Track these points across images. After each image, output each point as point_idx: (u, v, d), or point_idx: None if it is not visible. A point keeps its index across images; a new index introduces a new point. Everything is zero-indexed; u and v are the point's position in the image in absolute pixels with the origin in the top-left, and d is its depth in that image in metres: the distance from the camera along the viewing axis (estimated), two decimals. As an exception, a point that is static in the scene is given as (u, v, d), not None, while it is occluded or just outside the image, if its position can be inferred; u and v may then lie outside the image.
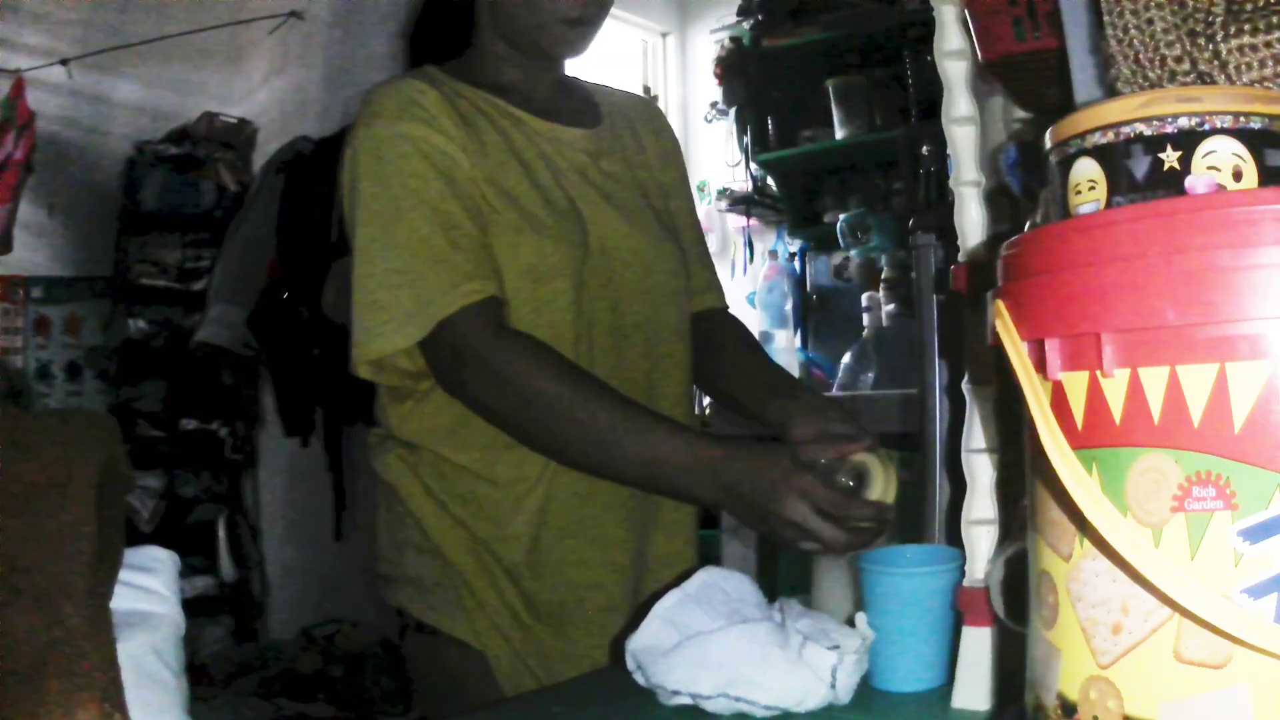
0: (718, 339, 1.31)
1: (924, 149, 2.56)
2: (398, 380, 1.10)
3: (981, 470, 0.83)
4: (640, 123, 1.31)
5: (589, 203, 1.15)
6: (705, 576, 0.91)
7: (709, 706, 0.81)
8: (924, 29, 0.90)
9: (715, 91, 3.75)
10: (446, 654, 1.13)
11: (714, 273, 1.37)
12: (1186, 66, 0.60)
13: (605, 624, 1.14)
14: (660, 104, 4.14)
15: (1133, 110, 0.54)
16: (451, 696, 1.14)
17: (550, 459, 1.09)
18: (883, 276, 3.16)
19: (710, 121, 3.86)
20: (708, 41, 3.86)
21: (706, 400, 2.61)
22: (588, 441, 1.02)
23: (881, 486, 0.95)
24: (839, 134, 3.39)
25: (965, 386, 0.86)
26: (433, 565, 1.13)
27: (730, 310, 1.38)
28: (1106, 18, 0.63)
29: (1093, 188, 0.55)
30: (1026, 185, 0.89)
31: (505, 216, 1.08)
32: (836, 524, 0.92)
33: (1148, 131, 0.53)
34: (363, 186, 1.08)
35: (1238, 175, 0.52)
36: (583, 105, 1.26)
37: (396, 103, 1.09)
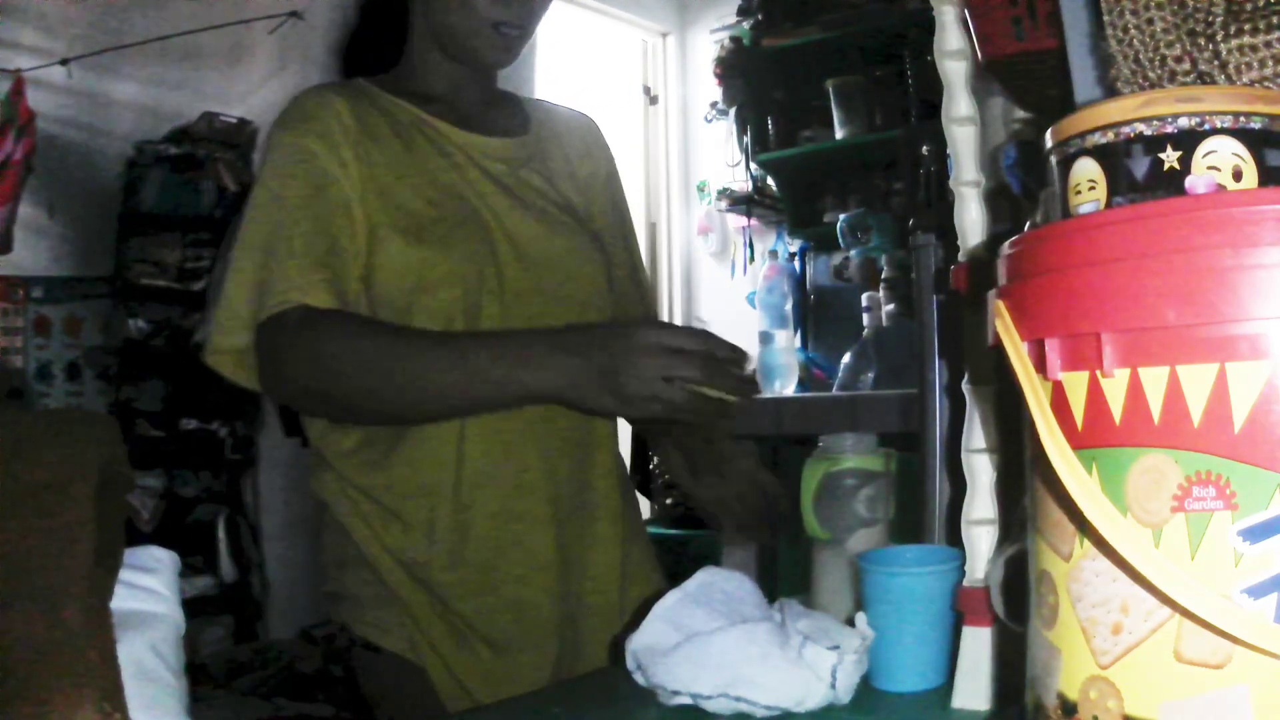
0: None
1: (924, 149, 2.55)
2: (254, 379, 1.09)
3: (981, 470, 0.83)
4: (572, 139, 1.31)
5: (501, 210, 1.15)
6: (705, 576, 0.91)
7: (709, 706, 0.81)
8: (924, 29, 0.90)
9: (715, 91, 3.75)
10: (388, 670, 1.13)
11: (646, 292, 1.36)
12: (1186, 66, 0.60)
13: (542, 643, 1.13)
14: (660, 104, 4.15)
15: (1133, 110, 0.54)
16: (396, 712, 1.13)
17: (398, 413, 1.06)
18: (883, 276, 3.16)
19: (710, 121, 3.86)
20: (708, 41, 3.87)
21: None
22: (430, 374, 1.00)
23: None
24: (839, 134, 3.39)
25: (965, 386, 0.86)
26: (371, 583, 1.13)
27: None
28: (1106, 18, 0.63)
29: (1093, 188, 0.55)
30: (1026, 185, 0.89)
31: (392, 229, 1.09)
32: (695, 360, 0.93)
33: (1148, 131, 0.53)
34: (254, 188, 1.12)
35: (1238, 175, 0.52)
36: (510, 117, 1.27)
37: (298, 112, 1.13)
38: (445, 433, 1.10)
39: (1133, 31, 0.61)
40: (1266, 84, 0.58)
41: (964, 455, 0.84)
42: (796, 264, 3.60)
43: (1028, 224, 0.84)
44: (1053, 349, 0.51)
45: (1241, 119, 0.52)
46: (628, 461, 1.37)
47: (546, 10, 1.20)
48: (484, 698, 1.10)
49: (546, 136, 1.28)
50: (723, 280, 3.94)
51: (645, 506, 1.29)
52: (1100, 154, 0.55)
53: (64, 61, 3.44)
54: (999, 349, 0.55)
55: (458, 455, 1.10)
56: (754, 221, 3.80)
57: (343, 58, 1.31)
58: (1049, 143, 0.59)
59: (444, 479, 1.10)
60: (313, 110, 1.13)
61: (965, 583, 0.82)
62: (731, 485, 1.23)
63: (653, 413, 0.95)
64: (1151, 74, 0.61)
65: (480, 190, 1.16)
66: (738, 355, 0.97)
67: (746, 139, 3.61)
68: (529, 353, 0.98)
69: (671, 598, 0.88)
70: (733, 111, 3.66)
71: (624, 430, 1.31)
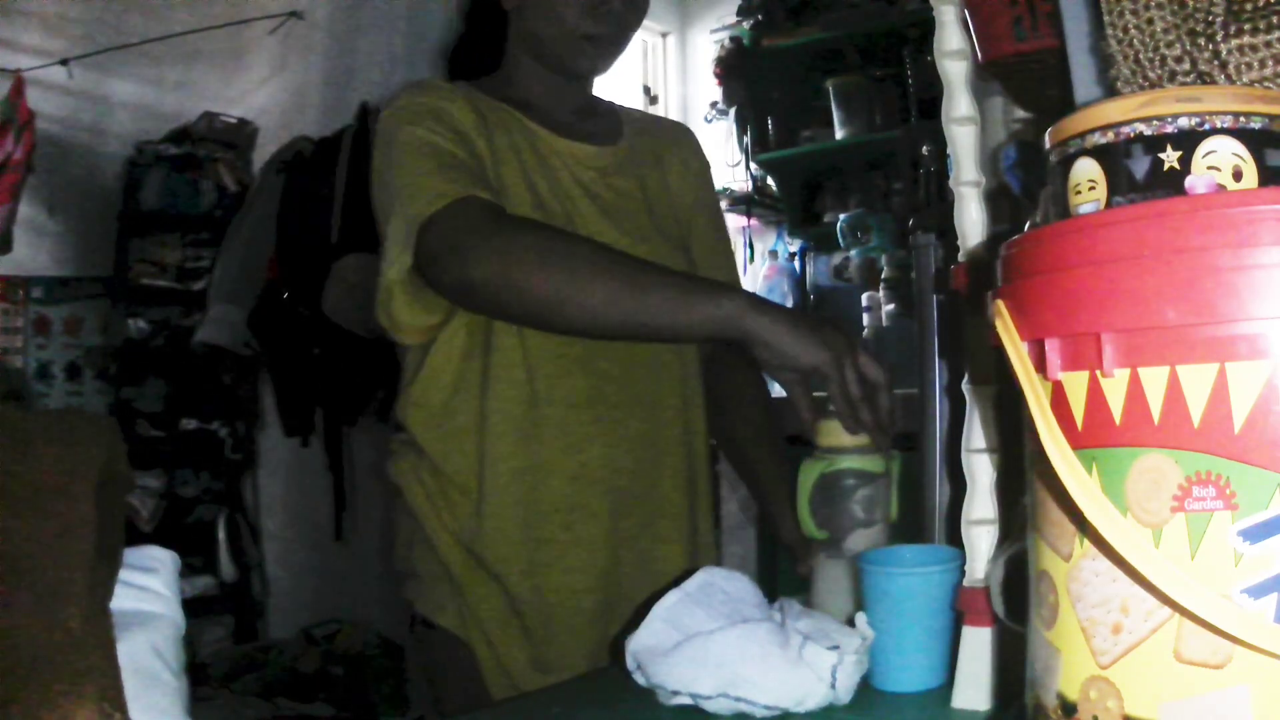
0: (726, 400, 1.33)
1: (924, 149, 2.56)
2: (415, 337, 1.13)
3: (981, 470, 0.83)
4: (667, 146, 1.33)
5: (588, 216, 1.18)
6: (705, 576, 0.91)
7: (709, 706, 0.81)
8: (924, 29, 0.90)
9: (715, 91, 3.75)
10: (439, 645, 1.18)
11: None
12: (1186, 66, 0.60)
13: (583, 633, 1.17)
14: (660, 104, 4.14)
15: (1133, 110, 0.54)
16: (440, 685, 1.19)
17: (585, 326, 1.03)
18: (883, 276, 3.16)
19: (710, 121, 3.86)
20: (708, 41, 3.86)
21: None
22: (608, 279, 0.98)
23: None
24: (839, 134, 3.39)
25: (965, 386, 0.86)
26: (431, 561, 1.18)
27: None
28: (1106, 18, 0.63)
29: (1093, 188, 0.55)
30: (1026, 185, 0.89)
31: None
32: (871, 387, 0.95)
33: (1148, 131, 0.53)
34: (384, 154, 1.13)
35: (1238, 175, 0.52)
36: (605, 124, 1.29)
37: (421, 88, 1.16)
38: (516, 419, 1.14)
39: (1133, 31, 0.61)
40: (1266, 84, 0.58)
41: (964, 455, 0.84)
42: (796, 264, 3.60)
43: (1028, 224, 0.84)
44: (1053, 349, 0.51)
45: (1241, 119, 0.52)
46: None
47: (640, 21, 1.22)
48: (522, 681, 1.15)
49: (639, 145, 1.30)
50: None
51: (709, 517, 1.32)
52: (1100, 154, 0.55)
53: (64, 61, 3.44)
54: (999, 349, 0.55)
55: (525, 440, 1.14)
56: (754, 221, 3.80)
57: (447, 63, 1.36)
58: (1049, 143, 0.59)
59: (511, 463, 1.14)
60: (435, 87, 1.16)
61: (965, 583, 0.82)
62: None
63: (811, 364, 0.94)
64: (1151, 74, 0.61)
65: (570, 196, 1.19)
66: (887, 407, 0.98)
67: (746, 139, 3.61)
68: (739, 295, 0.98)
69: (671, 598, 0.88)
70: (733, 111, 3.66)
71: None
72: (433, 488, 1.18)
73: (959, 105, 0.86)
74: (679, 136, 1.38)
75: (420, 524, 1.18)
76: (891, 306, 3.08)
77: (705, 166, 1.38)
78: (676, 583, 0.91)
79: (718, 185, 4.12)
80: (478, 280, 1.01)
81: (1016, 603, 0.71)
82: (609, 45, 1.20)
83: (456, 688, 1.17)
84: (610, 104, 1.35)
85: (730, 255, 1.39)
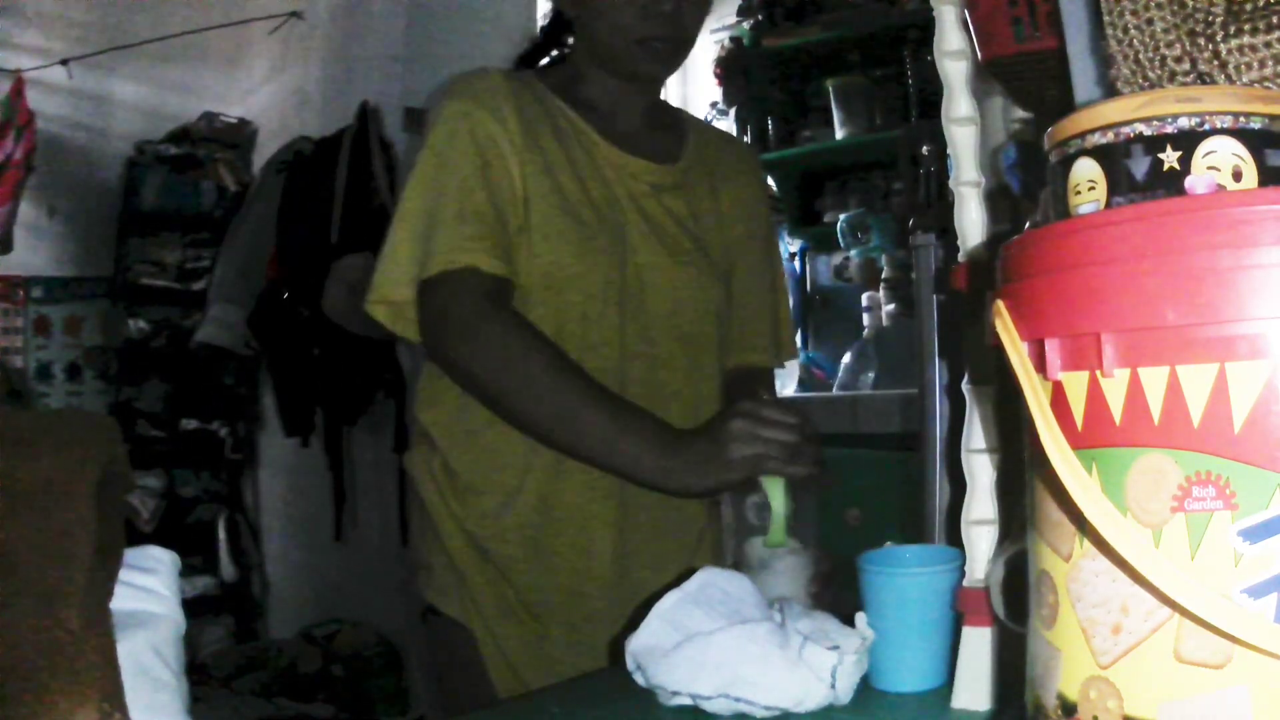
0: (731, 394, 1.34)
1: (924, 149, 2.55)
2: (413, 331, 1.14)
3: (981, 470, 0.83)
4: (727, 172, 1.32)
5: (635, 232, 1.19)
6: (705, 576, 0.91)
7: (709, 707, 0.81)
8: (924, 29, 0.90)
9: (715, 91, 3.75)
10: (445, 632, 1.20)
11: (781, 331, 1.37)
12: (1186, 66, 0.60)
13: (589, 631, 1.17)
14: (660, 104, 4.15)
15: (1133, 110, 0.54)
16: (444, 671, 1.22)
17: (531, 431, 1.12)
18: (883, 276, 3.15)
19: (710, 121, 3.86)
20: (708, 41, 3.86)
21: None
22: (556, 410, 1.07)
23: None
24: (839, 134, 3.38)
25: (965, 386, 0.86)
26: (438, 552, 1.20)
27: (773, 370, 1.39)
28: (1106, 18, 0.63)
29: (1093, 188, 0.55)
30: (1026, 185, 0.89)
31: (534, 218, 1.13)
32: (780, 428, 1.00)
33: (1148, 131, 0.53)
34: (420, 153, 1.16)
35: (1238, 175, 0.52)
36: (667, 140, 1.28)
37: (469, 86, 1.16)
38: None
39: (1133, 31, 0.61)
40: (1266, 84, 0.58)
41: (964, 455, 0.84)
42: (796, 264, 3.60)
43: (1028, 224, 0.84)
44: (1053, 349, 0.51)
45: (1241, 119, 0.52)
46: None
47: (702, 20, 1.21)
48: (526, 672, 1.16)
49: (697, 164, 1.29)
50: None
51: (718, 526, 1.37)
52: (1100, 154, 0.55)
53: (64, 61, 3.44)
54: (999, 349, 0.55)
55: (536, 445, 1.15)
56: (754, 221, 3.80)
57: (519, 65, 1.36)
58: (1049, 143, 0.59)
59: (524, 465, 1.16)
60: (480, 86, 1.16)
61: (965, 583, 0.82)
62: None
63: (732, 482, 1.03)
64: (1151, 74, 0.61)
65: (622, 209, 1.19)
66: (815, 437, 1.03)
67: (746, 139, 3.60)
68: (658, 442, 1.05)
69: (671, 598, 0.88)
70: (733, 111, 3.66)
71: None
72: (443, 482, 1.19)
73: (959, 105, 0.86)
74: (742, 163, 1.37)
75: (430, 515, 1.20)
76: (891, 306, 3.08)
77: (760, 197, 1.38)
78: (677, 582, 0.91)
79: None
80: (453, 361, 1.11)
81: (1016, 603, 0.71)
82: (669, 48, 1.18)
83: (459, 674, 1.19)
84: (680, 115, 1.35)
85: (779, 279, 1.39)
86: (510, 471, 1.16)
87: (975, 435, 0.84)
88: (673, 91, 4.11)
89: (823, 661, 0.80)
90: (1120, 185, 0.54)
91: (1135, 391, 0.48)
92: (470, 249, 1.08)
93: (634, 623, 0.88)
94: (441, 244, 1.08)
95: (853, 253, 3.32)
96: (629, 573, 1.19)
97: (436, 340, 1.11)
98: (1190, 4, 0.60)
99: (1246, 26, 0.58)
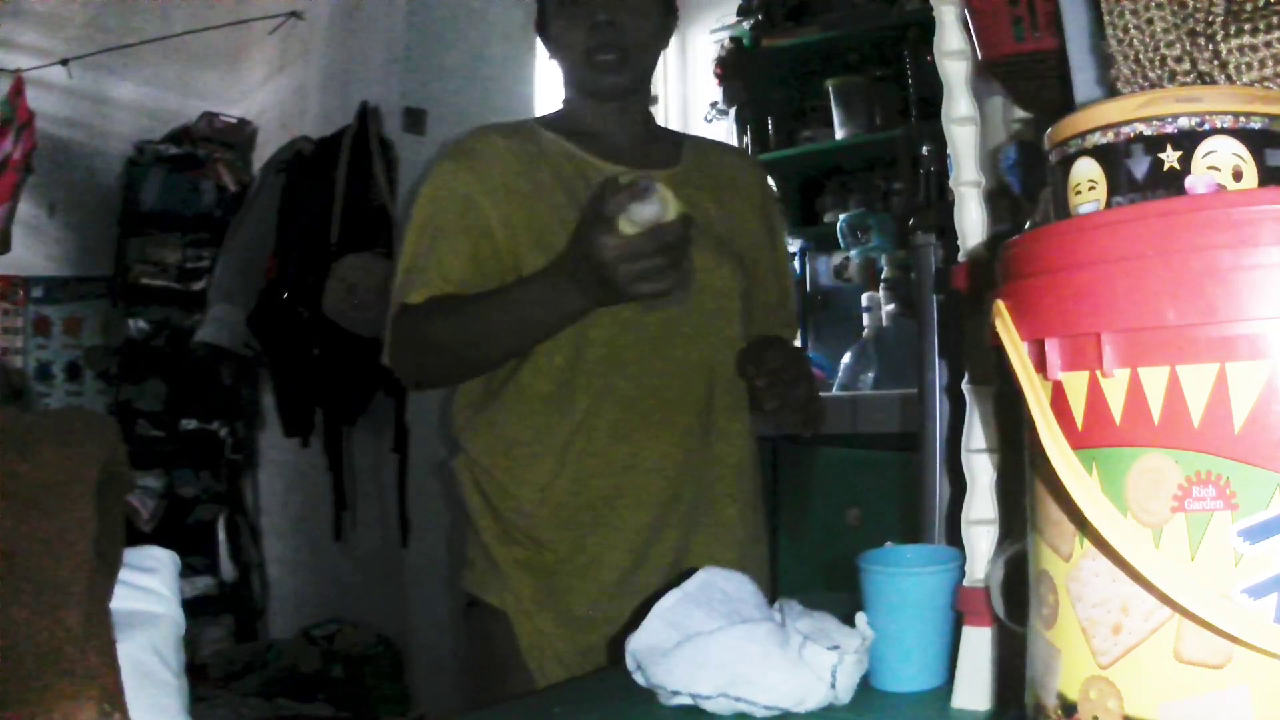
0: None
1: (924, 149, 2.55)
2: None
3: (981, 470, 0.83)
4: (723, 172, 1.37)
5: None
6: (705, 576, 0.91)
7: (709, 706, 0.81)
8: (924, 29, 0.90)
9: (715, 91, 3.75)
10: (482, 619, 1.27)
11: (790, 312, 1.44)
12: (1186, 66, 0.60)
13: (615, 616, 1.21)
14: (660, 104, 4.14)
15: (1133, 110, 0.54)
16: (482, 656, 1.29)
17: (484, 365, 1.23)
18: (883, 276, 3.15)
19: (710, 121, 3.85)
20: (708, 41, 3.86)
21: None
22: (470, 330, 1.17)
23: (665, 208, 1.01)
24: (839, 134, 3.38)
25: (965, 386, 0.86)
26: (476, 544, 1.28)
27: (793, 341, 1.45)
28: (1106, 18, 0.63)
29: (1093, 188, 0.55)
30: (1026, 185, 0.89)
31: (533, 258, 1.19)
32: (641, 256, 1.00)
33: (1148, 131, 0.53)
34: (415, 201, 1.28)
35: (1238, 175, 0.52)
36: (661, 151, 1.34)
37: (459, 148, 1.28)
38: (567, 416, 1.22)
39: (1133, 31, 0.61)
40: (1266, 84, 0.58)
41: (964, 455, 0.84)
42: (796, 264, 3.60)
43: (1028, 224, 0.84)
44: (1053, 349, 0.51)
45: (1241, 119, 0.52)
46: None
47: (644, 28, 1.26)
48: (560, 650, 1.22)
49: (695, 171, 1.34)
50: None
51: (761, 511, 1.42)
52: (1100, 154, 0.55)
53: (64, 61, 3.44)
54: (999, 349, 0.55)
55: (575, 435, 1.22)
56: (754, 221, 3.79)
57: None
58: (1049, 143, 0.59)
59: (560, 453, 1.23)
60: (471, 148, 1.27)
61: (965, 583, 0.82)
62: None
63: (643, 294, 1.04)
64: (1151, 74, 0.61)
65: None
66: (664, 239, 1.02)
67: (746, 139, 3.60)
68: (555, 293, 1.09)
69: (671, 598, 0.88)
70: (733, 111, 3.66)
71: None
72: (480, 476, 1.27)
73: (959, 105, 0.86)
74: (743, 166, 1.44)
75: (468, 511, 1.28)
76: (891, 306, 3.08)
77: (768, 200, 1.43)
78: (676, 582, 0.91)
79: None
80: (412, 370, 1.26)
81: (1016, 603, 0.71)
82: (614, 58, 1.24)
83: (495, 656, 1.25)
84: (669, 131, 1.42)
85: (786, 274, 1.44)
86: (549, 459, 1.22)
87: (975, 435, 0.84)
88: (673, 91, 4.11)
89: (823, 661, 0.80)
90: (1120, 185, 0.54)
91: (1135, 391, 0.48)
92: (416, 287, 1.21)
93: (634, 622, 0.88)
94: (406, 293, 1.21)
95: (853, 253, 3.31)
96: (664, 560, 1.24)
97: (397, 370, 1.26)
98: (1190, 4, 0.60)
99: (1246, 26, 0.58)
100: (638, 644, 0.86)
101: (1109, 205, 0.54)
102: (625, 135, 1.31)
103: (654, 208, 0.99)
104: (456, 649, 1.34)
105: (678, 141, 1.38)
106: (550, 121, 1.32)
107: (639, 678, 0.86)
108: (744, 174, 1.40)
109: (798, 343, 1.48)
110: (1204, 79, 0.60)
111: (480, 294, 1.19)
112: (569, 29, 1.24)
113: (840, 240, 3.28)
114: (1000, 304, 0.55)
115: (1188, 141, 0.52)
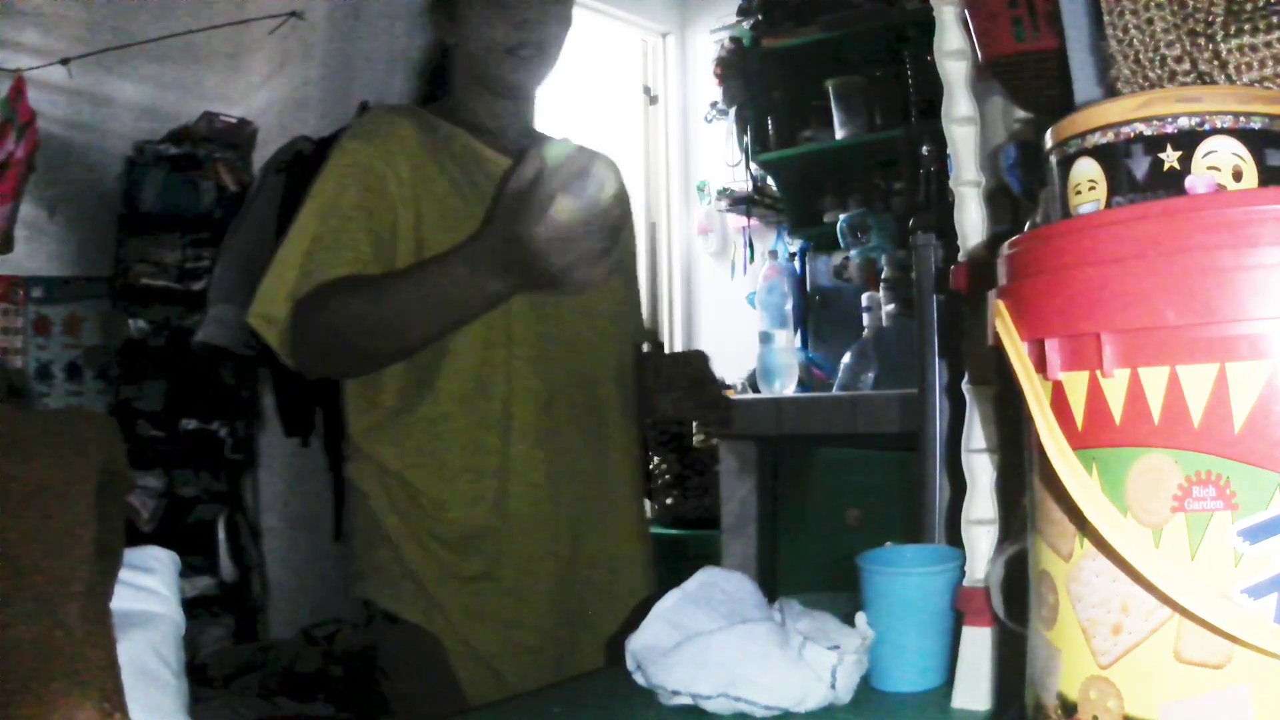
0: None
1: (924, 149, 2.55)
2: (280, 346, 1.20)
3: (981, 470, 0.83)
4: None
5: None
6: (705, 576, 0.91)
7: (709, 706, 0.81)
8: (924, 29, 0.90)
9: (715, 91, 3.75)
10: (404, 637, 1.23)
11: (641, 315, 1.52)
12: (1186, 66, 0.60)
13: (540, 622, 1.25)
14: (660, 104, 4.15)
15: (1133, 110, 0.54)
16: (408, 676, 1.25)
17: (388, 351, 1.17)
18: (883, 276, 3.15)
19: (710, 121, 3.86)
20: (708, 41, 3.86)
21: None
22: (384, 310, 1.09)
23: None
24: (839, 134, 3.39)
25: (965, 386, 0.86)
26: (392, 559, 1.24)
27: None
28: (1106, 18, 0.63)
29: (1093, 188, 0.55)
30: (1026, 185, 0.89)
31: (437, 241, 1.19)
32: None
33: (1148, 131, 0.53)
34: (317, 178, 1.24)
35: (1238, 175, 0.52)
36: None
37: (365, 126, 1.27)
38: (486, 427, 1.22)
39: (1133, 31, 0.61)
40: (1266, 84, 0.58)
41: (964, 455, 0.84)
42: (796, 264, 3.60)
43: (1028, 224, 0.84)
44: (1053, 349, 0.51)
45: (1241, 119, 0.52)
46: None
47: (565, 32, 1.30)
48: (499, 664, 1.22)
49: None
50: (723, 280, 3.93)
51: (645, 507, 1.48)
52: (1100, 154, 0.55)
53: (64, 61, 3.44)
54: (999, 349, 0.55)
55: (500, 446, 1.22)
56: (754, 221, 3.80)
57: (426, 85, 1.50)
58: (1049, 143, 0.59)
59: (481, 466, 1.22)
60: (378, 127, 1.25)
61: (965, 583, 0.82)
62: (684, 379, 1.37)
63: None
64: (1151, 74, 0.61)
65: None
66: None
67: (746, 139, 3.60)
68: (475, 275, 1.03)
69: (671, 598, 0.88)
70: (733, 111, 3.66)
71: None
72: (396, 491, 1.24)
73: (959, 105, 0.86)
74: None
75: (380, 524, 1.24)
76: (891, 306, 3.08)
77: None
78: (678, 581, 0.91)
79: (719, 185, 4.12)
80: (314, 362, 1.21)
81: (1016, 603, 0.71)
82: (536, 56, 1.27)
83: (420, 676, 1.23)
84: (546, 135, 1.42)
85: (635, 281, 1.49)
86: (472, 473, 1.22)
87: (975, 435, 0.84)
88: (673, 91, 4.11)
89: (823, 661, 0.80)
90: (1120, 185, 0.54)
91: (1135, 391, 0.48)
92: (311, 276, 1.16)
93: (634, 623, 0.88)
94: (309, 280, 1.16)
95: (853, 253, 3.32)
96: (580, 549, 1.27)
97: (297, 360, 1.19)
98: (1190, 4, 0.60)
99: (1246, 26, 0.58)
100: (637, 644, 0.86)
101: (1109, 205, 0.55)
102: (515, 131, 1.34)
103: (592, 187, 0.95)
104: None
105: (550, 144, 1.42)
106: (441, 111, 1.32)
107: (639, 678, 0.86)
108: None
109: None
110: (1204, 79, 0.60)
111: (393, 273, 1.16)
112: (491, 22, 1.24)
113: (840, 240, 3.29)
114: (1000, 304, 0.55)
115: (1188, 141, 0.52)
